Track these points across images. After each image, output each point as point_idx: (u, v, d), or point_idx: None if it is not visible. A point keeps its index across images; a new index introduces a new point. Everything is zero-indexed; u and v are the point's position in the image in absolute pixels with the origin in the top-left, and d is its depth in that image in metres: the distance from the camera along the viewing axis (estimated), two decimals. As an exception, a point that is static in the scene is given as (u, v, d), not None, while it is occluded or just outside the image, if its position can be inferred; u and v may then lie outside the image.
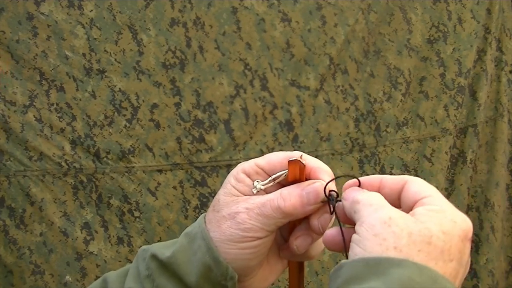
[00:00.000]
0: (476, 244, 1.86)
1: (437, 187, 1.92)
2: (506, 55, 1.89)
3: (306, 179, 0.57)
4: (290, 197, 0.55)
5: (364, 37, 1.72)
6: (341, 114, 1.71)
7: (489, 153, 1.88)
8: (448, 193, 1.84)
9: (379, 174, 0.56)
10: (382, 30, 1.75)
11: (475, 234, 1.86)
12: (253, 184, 0.57)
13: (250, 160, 0.58)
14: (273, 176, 0.57)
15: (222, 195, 0.57)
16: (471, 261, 1.84)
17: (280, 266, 0.60)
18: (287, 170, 0.56)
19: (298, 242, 0.57)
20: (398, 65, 1.76)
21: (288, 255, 0.59)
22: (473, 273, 1.85)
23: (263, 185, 0.56)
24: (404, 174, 1.90)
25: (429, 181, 1.96)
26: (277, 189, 0.57)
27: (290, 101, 1.65)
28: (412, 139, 1.79)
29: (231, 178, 0.58)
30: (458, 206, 1.86)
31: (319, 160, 0.58)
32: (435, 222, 0.45)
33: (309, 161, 0.57)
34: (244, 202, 0.56)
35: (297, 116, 1.66)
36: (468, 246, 0.46)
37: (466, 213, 1.87)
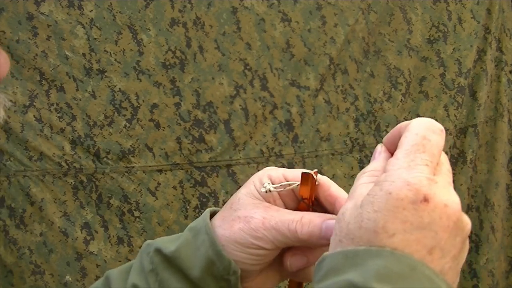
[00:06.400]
0: (476, 244, 1.86)
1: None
2: (506, 55, 1.89)
3: (315, 199, 0.57)
4: (309, 225, 0.54)
5: (364, 37, 1.72)
6: (341, 114, 1.71)
7: (489, 153, 1.88)
8: (448, 193, 1.84)
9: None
10: (382, 30, 1.75)
11: (475, 234, 1.87)
12: (263, 184, 0.57)
13: (279, 168, 0.59)
14: (285, 183, 0.57)
15: (244, 195, 0.57)
16: (471, 261, 1.86)
17: (278, 277, 0.60)
18: (299, 182, 0.56)
19: (292, 260, 0.57)
20: (398, 65, 1.76)
21: (286, 271, 0.59)
22: (473, 273, 1.85)
23: (273, 187, 0.56)
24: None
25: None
26: (283, 203, 0.57)
27: (290, 101, 1.65)
28: (412, 139, 1.79)
29: (256, 179, 0.58)
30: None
31: (341, 189, 0.57)
32: (370, 202, 0.44)
33: (332, 187, 0.57)
34: (263, 210, 0.56)
35: (297, 116, 1.66)
36: (422, 208, 0.43)
37: (466, 213, 1.86)
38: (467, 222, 0.45)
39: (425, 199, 0.43)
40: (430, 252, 0.42)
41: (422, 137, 0.46)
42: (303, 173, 0.56)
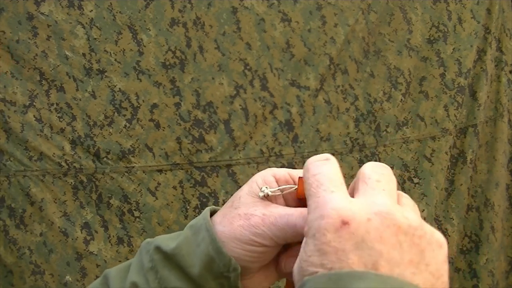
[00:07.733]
0: (476, 244, 1.86)
1: (437, 187, 1.91)
2: (506, 55, 1.89)
3: None
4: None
5: (364, 37, 1.72)
6: (341, 114, 1.71)
7: (489, 153, 1.88)
8: (448, 193, 1.84)
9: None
10: (382, 30, 1.75)
11: (475, 234, 1.87)
12: (260, 188, 0.57)
13: (283, 168, 0.59)
14: (282, 187, 0.57)
15: (245, 193, 0.58)
16: (471, 261, 1.86)
17: (276, 276, 0.61)
18: (297, 186, 0.57)
19: (287, 261, 0.58)
20: (398, 65, 1.76)
21: (282, 272, 0.59)
22: (473, 273, 1.85)
23: (271, 191, 0.57)
24: (404, 174, 1.91)
25: (429, 181, 1.95)
26: (284, 201, 0.58)
27: (290, 101, 1.65)
28: (412, 139, 1.79)
29: (258, 178, 0.58)
30: (458, 206, 1.85)
31: None
32: (302, 252, 0.45)
33: None
34: (263, 207, 0.56)
35: (297, 116, 1.66)
36: (345, 232, 0.43)
37: (466, 213, 1.87)
38: (402, 221, 0.43)
39: (344, 223, 0.43)
40: (375, 268, 0.42)
41: (307, 177, 0.47)
42: (300, 178, 0.56)
